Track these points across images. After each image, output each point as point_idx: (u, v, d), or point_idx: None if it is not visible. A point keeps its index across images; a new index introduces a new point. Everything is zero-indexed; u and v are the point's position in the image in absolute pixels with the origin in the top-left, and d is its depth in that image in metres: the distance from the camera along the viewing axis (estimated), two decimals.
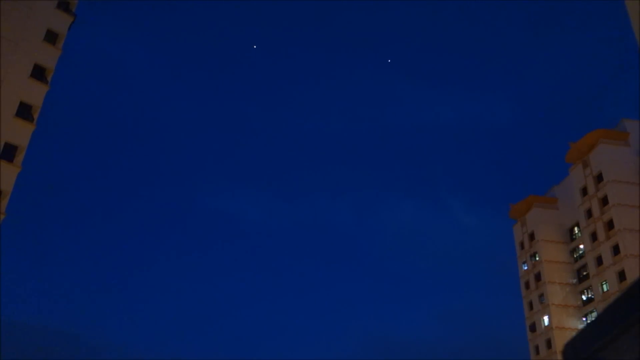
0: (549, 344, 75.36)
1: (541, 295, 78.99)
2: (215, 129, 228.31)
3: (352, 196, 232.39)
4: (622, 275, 67.84)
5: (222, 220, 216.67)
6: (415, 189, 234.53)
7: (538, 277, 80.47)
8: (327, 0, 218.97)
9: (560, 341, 72.68)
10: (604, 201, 72.35)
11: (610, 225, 71.02)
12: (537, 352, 77.39)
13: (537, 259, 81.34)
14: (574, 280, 78.68)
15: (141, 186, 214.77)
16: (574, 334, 3.49)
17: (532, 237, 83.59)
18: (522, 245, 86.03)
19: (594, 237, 73.84)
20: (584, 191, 76.08)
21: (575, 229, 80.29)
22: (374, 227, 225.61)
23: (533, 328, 79.49)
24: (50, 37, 46.33)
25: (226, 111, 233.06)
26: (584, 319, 75.27)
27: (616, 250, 69.40)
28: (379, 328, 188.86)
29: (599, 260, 72.31)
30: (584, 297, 76.75)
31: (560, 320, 75.57)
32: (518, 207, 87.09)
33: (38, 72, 44.98)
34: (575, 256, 79.84)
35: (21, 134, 43.15)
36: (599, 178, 73.80)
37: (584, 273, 76.78)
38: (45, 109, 45.56)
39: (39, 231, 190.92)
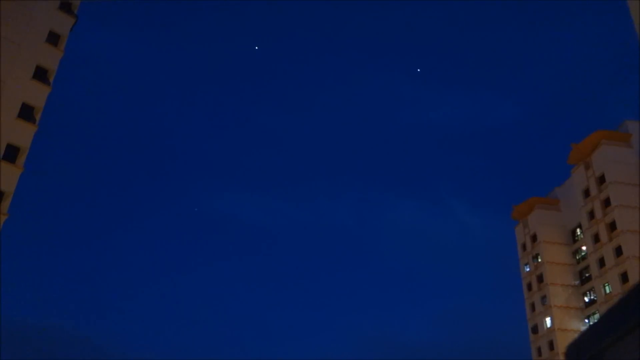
0: (551, 345, 75.25)
1: (543, 297, 78.90)
2: (216, 130, 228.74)
3: (353, 197, 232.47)
4: (624, 277, 67.74)
5: (223, 222, 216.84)
6: (416, 189, 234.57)
7: (540, 279, 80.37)
8: (328, 3, 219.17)
9: (562, 343, 72.57)
10: (606, 202, 72.23)
11: (612, 226, 70.91)
12: (540, 353, 77.27)
13: (539, 260, 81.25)
14: (577, 282, 78.58)
15: (144, 188, 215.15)
16: (576, 335, 3.46)
17: (534, 238, 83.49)
18: (524, 247, 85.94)
19: (596, 238, 73.73)
20: (586, 192, 75.98)
21: (578, 230, 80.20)
22: (375, 228, 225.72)
23: (535, 330, 79.38)
24: (52, 38, 46.41)
25: (227, 112, 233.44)
26: (587, 320, 75.18)
27: (619, 251, 69.30)
28: (380, 329, 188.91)
29: (602, 262, 72.19)
30: (586, 299, 76.66)
31: (563, 321, 75.48)
32: (520, 208, 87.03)
33: (40, 74, 45.05)
34: (577, 258, 79.76)
35: (23, 135, 43.21)
36: (601, 179, 73.69)
37: (587, 275, 76.68)
38: (47, 110, 45.63)
39: (41, 232, 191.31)
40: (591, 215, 74.88)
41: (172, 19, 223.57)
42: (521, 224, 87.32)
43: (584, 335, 3.22)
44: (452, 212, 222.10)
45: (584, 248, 78.03)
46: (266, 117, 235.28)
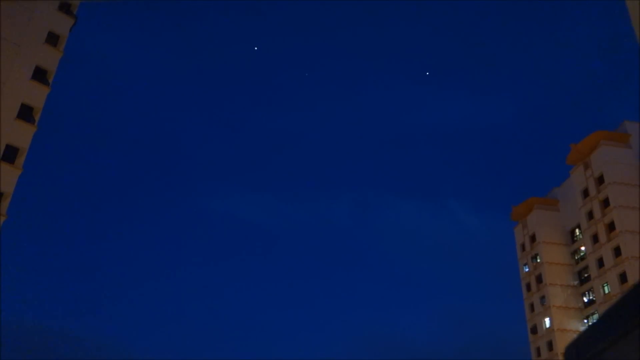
0: (550, 346, 75.27)
1: (542, 297, 78.91)
2: (216, 130, 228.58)
3: (353, 197, 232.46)
4: (623, 277, 67.79)
5: (224, 222, 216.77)
6: (415, 190, 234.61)
7: (539, 279, 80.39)
8: (327, 4, 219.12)
9: (561, 343, 72.60)
10: (605, 203, 72.29)
11: (611, 227, 70.97)
12: (539, 354, 77.29)
13: (539, 260, 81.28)
14: (576, 282, 78.61)
15: (143, 188, 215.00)
16: (575, 336, 3.47)
17: (533, 238, 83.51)
18: (523, 247, 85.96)
19: (595, 239, 73.78)
20: (585, 193, 76.05)
21: (577, 230, 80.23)
22: (374, 228, 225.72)
23: (534, 330, 79.40)
24: (52, 39, 46.40)
25: (226, 113, 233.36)
26: (586, 321, 75.22)
27: (617, 252, 69.36)
28: (379, 329, 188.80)
29: (600, 262, 72.25)
30: (585, 299, 76.68)
31: (562, 322, 75.50)
32: (519, 208, 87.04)
33: (39, 74, 45.04)
34: (576, 258, 79.78)
35: (22, 135, 43.19)
36: (600, 180, 73.75)
37: (585, 275, 76.72)
38: (46, 111, 45.62)
39: (40, 233, 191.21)
40: (590, 215, 74.93)
41: (172, 19, 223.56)
42: (520, 225, 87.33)
43: (583, 336, 3.23)
44: (452, 213, 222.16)
45: (583, 248, 78.06)
46: (266, 118, 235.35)
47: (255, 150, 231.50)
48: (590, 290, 75.33)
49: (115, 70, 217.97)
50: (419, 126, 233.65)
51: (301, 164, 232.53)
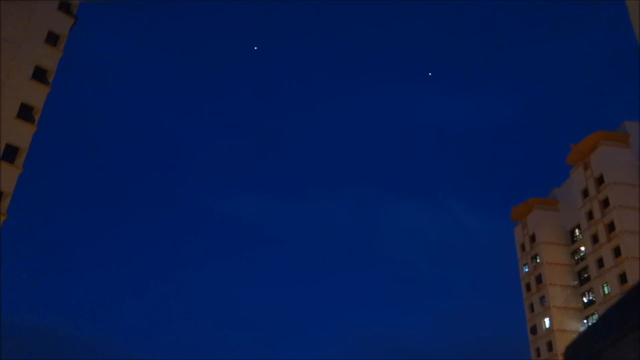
0: (550, 346, 75.27)
1: (542, 297, 78.92)
2: (216, 130, 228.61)
3: (352, 197, 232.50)
4: (623, 278, 67.78)
5: (224, 222, 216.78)
6: (415, 190, 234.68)
7: (539, 279, 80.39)
8: (327, 3, 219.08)
9: (561, 343, 72.60)
10: (605, 203, 72.29)
11: (611, 227, 70.97)
12: (538, 354, 77.30)
13: (538, 260, 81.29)
14: (575, 283, 78.61)
15: (144, 188, 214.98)
16: (575, 336, 3.47)
17: (533, 239, 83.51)
18: (522, 247, 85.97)
19: (594, 239, 73.77)
20: (585, 193, 76.06)
21: (576, 231, 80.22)
22: (374, 228, 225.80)
23: (534, 330, 79.40)
24: (51, 38, 46.43)
25: (226, 113, 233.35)
26: (585, 321, 75.21)
27: (617, 252, 69.34)
28: (378, 329, 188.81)
29: (600, 263, 72.25)
30: (585, 300, 76.68)
31: (562, 322, 75.50)
32: (519, 208, 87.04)
33: (39, 74, 45.06)
34: (576, 258, 79.79)
35: (22, 135, 43.20)
36: (599, 180, 73.75)
37: (585, 275, 76.72)
38: (46, 111, 45.63)
39: (40, 232, 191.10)
40: (590, 215, 74.93)
41: (172, 19, 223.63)
42: (520, 225, 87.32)
43: (583, 336, 3.23)
44: (451, 213, 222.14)
45: (582, 248, 78.06)
46: (266, 118, 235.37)
47: (255, 150, 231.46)
48: (590, 290, 75.33)
49: (115, 70, 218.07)
50: (419, 126, 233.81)
51: (301, 164, 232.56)
